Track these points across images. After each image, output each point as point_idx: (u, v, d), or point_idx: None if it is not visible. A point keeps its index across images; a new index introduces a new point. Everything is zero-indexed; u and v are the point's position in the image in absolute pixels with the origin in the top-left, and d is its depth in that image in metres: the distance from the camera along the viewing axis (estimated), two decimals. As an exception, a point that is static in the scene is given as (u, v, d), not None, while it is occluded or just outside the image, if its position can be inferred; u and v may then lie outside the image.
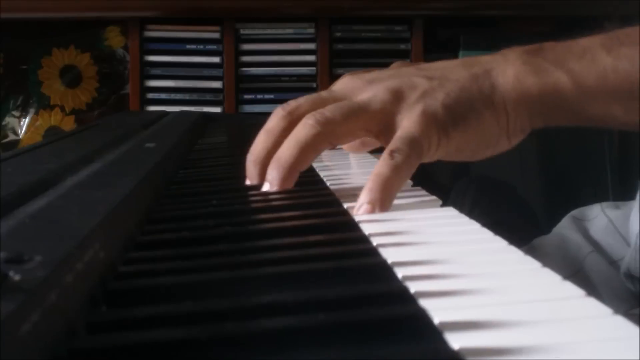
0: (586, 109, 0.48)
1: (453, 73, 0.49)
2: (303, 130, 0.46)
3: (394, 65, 0.55)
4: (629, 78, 0.47)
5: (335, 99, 0.49)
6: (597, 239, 0.73)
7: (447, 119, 0.46)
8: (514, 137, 0.50)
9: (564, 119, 0.50)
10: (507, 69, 0.48)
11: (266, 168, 0.47)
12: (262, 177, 0.47)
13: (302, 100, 0.49)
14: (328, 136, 0.46)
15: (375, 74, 0.51)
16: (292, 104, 0.49)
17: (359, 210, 0.41)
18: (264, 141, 0.48)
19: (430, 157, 0.46)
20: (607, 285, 0.69)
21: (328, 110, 0.46)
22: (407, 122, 0.46)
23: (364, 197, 0.42)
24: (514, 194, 1.20)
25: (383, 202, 0.42)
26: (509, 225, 0.96)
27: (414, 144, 0.44)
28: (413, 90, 0.47)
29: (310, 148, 0.46)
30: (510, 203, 1.11)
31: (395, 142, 0.44)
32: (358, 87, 0.49)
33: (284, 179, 0.45)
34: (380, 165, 0.43)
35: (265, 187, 0.46)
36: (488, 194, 1.09)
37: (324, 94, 0.51)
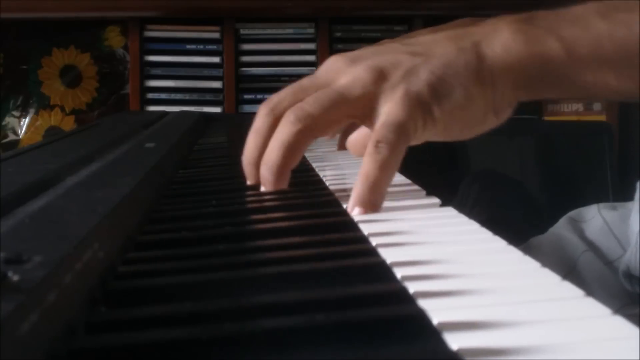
0: (578, 77, 0.46)
1: (439, 47, 0.47)
2: (285, 129, 0.45)
3: (382, 41, 0.53)
4: (625, 44, 0.45)
5: (317, 86, 0.48)
6: (592, 240, 0.74)
7: (431, 99, 0.44)
8: (502, 112, 0.47)
9: (554, 89, 0.48)
10: (495, 39, 0.46)
11: (260, 168, 0.47)
12: (259, 177, 0.47)
13: (284, 93, 0.48)
14: (311, 131, 0.45)
15: (359, 51, 0.49)
16: (274, 98, 0.48)
17: (352, 212, 0.41)
18: (253, 141, 0.48)
19: (417, 139, 0.45)
20: (600, 283, 0.70)
21: (307, 104, 0.45)
22: (391, 105, 0.44)
23: (354, 200, 0.42)
24: (519, 191, 1.20)
25: (374, 203, 0.41)
26: (511, 222, 0.96)
27: (399, 129, 0.43)
28: (396, 68, 0.46)
29: (295, 146, 0.45)
30: (514, 200, 1.11)
31: (380, 131, 0.43)
32: (340, 69, 0.48)
33: (276, 180, 0.46)
34: (366, 164, 0.42)
35: (263, 188, 0.47)
36: (492, 189, 1.09)
37: (305, 81, 0.49)
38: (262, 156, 0.46)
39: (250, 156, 0.48)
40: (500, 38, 0.46)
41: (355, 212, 0.41)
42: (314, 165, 0.62)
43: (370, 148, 0.43)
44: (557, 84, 0.47)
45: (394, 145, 0.42)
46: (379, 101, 0.45)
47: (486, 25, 0.48)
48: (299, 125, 0.45)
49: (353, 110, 0.46)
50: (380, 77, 0.46)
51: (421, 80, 0.45)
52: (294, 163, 0.46)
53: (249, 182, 0.49)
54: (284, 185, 0.46)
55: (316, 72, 0.51)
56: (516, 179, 1.32)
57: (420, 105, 0.44)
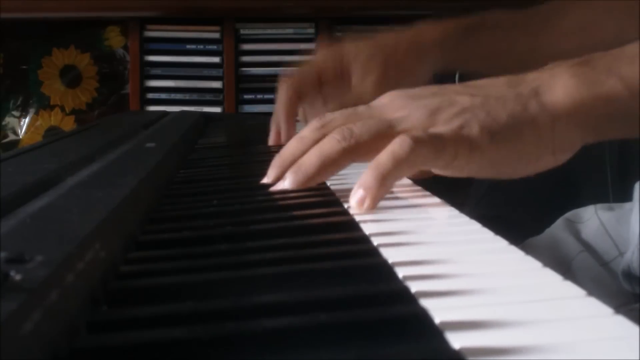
0: None
1: (497, 91, 0.47)
2: (328, 143, 0.46)
3: (444, 86, 0.53)
4: None
5: (370, 115, 0.48)
6: (588, 241, 0.74)
7: (483, 136, 0.44)
8: (561, 153, 0.47)
9: (620, 128, 0.49)
10: (555, 85, 0.46)
11: (286, 171, 0.47)
12: (279, 179, 0.47)
13: (338, 114, 0.49)
14: (352, 153, 0.46)
15: (419, 90, 0.50)
16: (328, 116, 0.49)
17: (353, 197, 0.42)
18: (294, 147, 0.49)
19: (460, 168, 0.45)
20: (596, 284, 0.70)
21: (357, 127, 0.46)
22: (439, 128, 0.45)
23: (358, 184, 0.42)
24: (530, 190, 1.20)
25: (376, 191, 0.42)
26: (514, 220, 0.96)
27: (437, 138, 0.43)
28: (452, 106, 0.46)
29: (332, 162, 0.46)
30: (522, 198, 1.11)
31: (414, 131, 0.43)
32: (397, 104, 0.48)
33: (301, 184, 0.46)
34: (382, 154, 0.42)
35: (278, 185, 0.47)
36: (503, 186, 1.09)
37: (361, 109, 0.50)
38: (294, 161, 0.47)
39: (284, 158, 0.49)
40: (560, 83, 0.46)
41: (356, 197, 0.41)
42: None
43: (400, 136, 0.43)
44: (622, 123, 0.48)
45: (418, 146, 0.42)
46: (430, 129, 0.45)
47: (544, 72, 0.48)
48: (343, 144, 0.45)
49: None
50: (435, 114, 0.46)
51: (477, 118, 0.45)
52: (325, 178, 0.47)
53: (266, 180, 0.49)
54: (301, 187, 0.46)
55: (374, 102, 0.51)
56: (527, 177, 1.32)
57: (469, 137, 0.44)
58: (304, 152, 0.48)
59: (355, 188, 0.42)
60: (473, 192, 1.04)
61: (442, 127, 0.45)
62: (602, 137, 0.49)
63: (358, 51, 0.76)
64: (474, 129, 0.44)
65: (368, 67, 0.76)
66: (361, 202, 0.42)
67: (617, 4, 0.74)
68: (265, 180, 0.50)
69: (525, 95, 0.46)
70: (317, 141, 0.47)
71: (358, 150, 0.46)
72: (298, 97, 0.75)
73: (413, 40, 0.78)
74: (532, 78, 0.48)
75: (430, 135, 0.43)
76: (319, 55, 0.77)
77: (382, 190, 0.42)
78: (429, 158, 0.43)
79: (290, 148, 0.49)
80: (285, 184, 0.47)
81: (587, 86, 0.46)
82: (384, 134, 0.46)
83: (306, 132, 0.49)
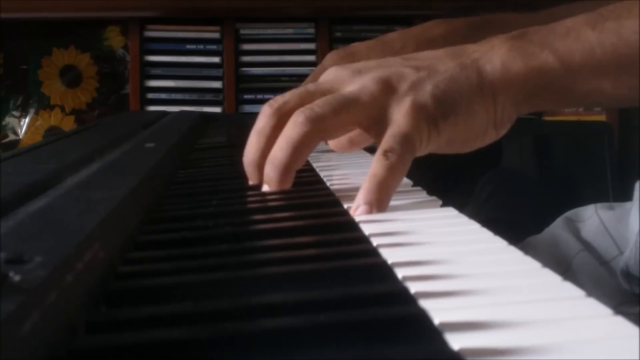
0: (575, 87, 0.48)
1: (440, 63, 0.48)
2: (294, 128, 0.45)
3: (383, 58, 0.54)
4: (616, 51, 0.47)
5: (322, 92, 0.48)
6: (588, 240, 0.74)
7: (436, 112, 0.46)
8: (501, 126, 0.49)
9: (552, 101, 0.50)
10: (494, 57, 0.48)
11: (262, 169, 0.47)
12: (261, 177, 0.47)
13: (289, 95, 0.49)
14: (319, 132, 0.46)
15: (362, 64, 0.50)
16: (279, 99, 0.48)
17: (357, 211, 0.41)
18: (256, 142, 0.48)
19: (421, 151, 0.46)
20: (595, 283, 0.70)
21: (317, 106, 0.46)
22: (398, 117, 0.45)
23: (361, 198, 0.42)
24: (535, 190, 1.20)
25: (380, 202, 0.42)
26: (518, 221, 0.96)
27: (406, 141, 0.44)
28: (402, 80, 0.47)
29: (303, 146, 0.45)
30: (528, 199, 1.11)
31: (387, 141, 0.44)
32: (346, 78, 0.49)
33: (281, 180, 0.46)
34: (375, 166, 0.43)
35: (265, 188, 0.47)
36: (508, 187, 1.09)
37: (310, 86, 0.50)
38: (264, 156, 0.47)
39: (252, 157, 0.48)
40: (498, 55, 0.48)
41: (359, 211, 0.41)
42: (314, 165, 0.62)
43: (378, 156, 0.44)
44: (555, 96, 0.49)
45: (401, 155, 0.43)
46: (387, 111, 0.46)
47: (483, 44, 0.49)
48: (309, 126, 0.45)
49: (361, 117, 0.47)
50: (387, 88, 0.47)
51: (427, 93, 0.46)
52: (300, 164, 0.46)
53: (251, 182, 0.49)
54: (288, 185, 0.46)
55: (319, 78, 0.52)
56: (531, 178, 1.32)
57: (426, 118, 0.45)
58: (268, 143, 0.47)
59: (356, 202, 0.42)
60: (476, 196, 1.04)
61: (398, 111, 0.45)
62: (536, 108, 0.50)
63: (369, 52, 0.76)
64: (428, 106, 0.46)
65: None
66: (368, 211, 0.42)
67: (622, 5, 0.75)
68: (250, 182, 0.49)
69: (467, 65, 0.48)
70: (276, 128, 0.47)
71: (325, 128, 0.46)
72: None
73: (422, 37, 0.79)
74: (472, 49, 0.49)
75: (401, 143, 0.44)
76: (329, 61, 0.77)
77: (385, 199, 0.43)
78: (409, 160, 0.44)
79: (252, 144, 0.48)
80: (268, 186, 0.46)
81: (522, 59, 0.47)
82: (347, 109, 0.46)
83: (262, 123, 0.48)
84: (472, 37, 0.79)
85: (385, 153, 0.43)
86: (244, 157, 0.49)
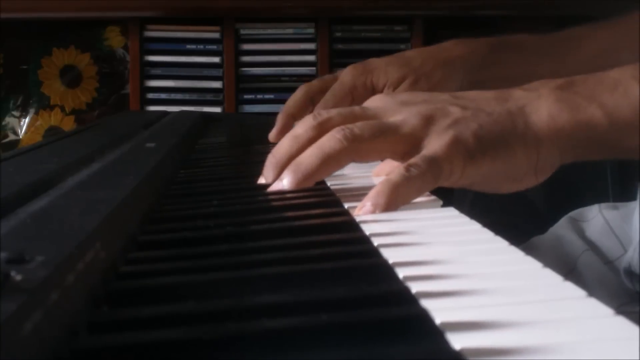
0: (621, 142, 0.48)
1: (487, 106, 0.48)
2: (330, 142, 0.46)
3: (432, 93, 0.54)
4: None
5: (366, 117, 0.49)
6: (592, 239, 0.74)
7: (475, 148, 0.46)
8: (542, 173, 0.49)
9: (597, 153, 0.50)
10: (541, 107, 0.48)
11: (282, 171, 0.47)
12: (276, 178, 0.47)
13: (334, 113, 0.49)
14: (353, 152, 0.46)
15: (409, 95, 0.51)
16: (323, 114, 0.49)
17: (361, 210, 0.41)
18: (289, 146, 0.48)
19: (453, 182, 0.46)
20: (600, 282, 0.70)
21: (357, 127, 0.46)
22: (434, 144, 0.45)
23: (369, 198, 0.42)
24: (517, 193, 1.20)
25: (387, 206, 0.42)
26: (508, 224, 0.96)
27: (433, 164, 0.44)
28: (445, 117, 0.47)
29: (333, 161, 0.46)
30: (511, 202, 1.11)
31: (415, 158, 0.44)
32: (390, 108, 0.49)
33: (298, 184, 0.46)
34: (394, 173, 0.43)
35: (276, 186, 0.47)
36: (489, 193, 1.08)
37: (357, 109, 0.50)
38: (290, 162, 0.47)
39: (279, 157, 0.48)
40: (545, 106, 0.48)
41: (363, 210, 0.41)
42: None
43: (400, 167, 0.44)
44: (601, 149, 0.49)
45: (423, 173, 0.43)
46: (424, 142, 0.46)
47: (530, 91, 0.49)
48: (345, 143, 0.45)
49: (397, 146, 0.47)
50: (429, 123, 0.47)
51: (469, 130, 0.46)
52: (324, 176, 0.47)
53: (262, 181, 0.49)
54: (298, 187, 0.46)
55: (365, 104, 0.52)
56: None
57: (463, 152, 0.45)
58: (299, 151, 0.47)
59: (365, 200, 0.42)
60: (470, 198, 1.04)
61: (436, 141, 0.45)
62: (581, 159, 0.50)
63: (388, 70, 0.76)
64: (468, 142, 0.45)
65: (398, 85, 0.76)
66: (371, 210, 0.42)
67: (634, 27, 0.75)
68: (262, 180, 0.49)
69: (514, 112, 0.48)
70: (312, 140, 0.47)
71: (359, 150, 0.46)
72: None
73: (441, 56, 0.79)
74: (519, 96, 0.49)
75: (428, 163, 0.44)
76: (347, 75, 0.76)
77: (392, 205, 0.43)
78: (429, 182, 0.44)
79: (284, 147, 0.49)
80: (284, 183, 0.46)
81: (569, 112, 0.47)
82: (385, 136, 0.46)
83: (300, 130, 0.48)
84: (490, 58, 0.80)
85: (409, 166, 0.43)
86: (271, 155, 0.49)
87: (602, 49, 0.77)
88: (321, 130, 0.48)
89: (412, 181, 0.43)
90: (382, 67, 0.76)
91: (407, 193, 0.43)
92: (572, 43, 0.78)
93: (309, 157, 0.46)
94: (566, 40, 0.79)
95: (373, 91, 0.76)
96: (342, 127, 0.46)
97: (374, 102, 0.52)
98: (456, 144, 0.45)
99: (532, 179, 0.49)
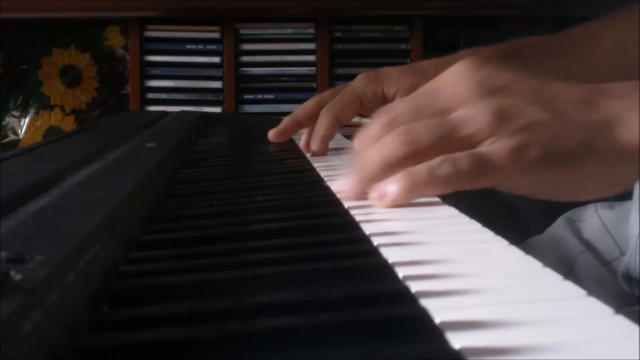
0: None
1: (571, 110, 0.44)
2: (390, 147, 0.44)
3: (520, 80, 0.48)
4: None
5: (435, 110, 0.46)
6: (589, 240, 0.74)
7: (540, 161, 0.42)
8: (617, 187, 0.45)
9: None
10: (631, 122, 0.43)
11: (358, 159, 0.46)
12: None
13: (405, 108, 0.47)
14: (412, 156, 0.44)
15: (493, 81, 0.46)
16: (391, 113, 0.47)
17: (374, 192, 0.42)
18: (367, 140, 0.47)
19: (504, 188, 0.43)
20: (598, 284, 0.70)
21: (419, 130, 0.44)
22: (495, 145, 0.42)
23: (384, 185, 0.42)
24: (498, 197, 1.19)
25: (399, 199, 0.41)
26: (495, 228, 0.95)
27: (482, 166, 0.41)
28: (520, 117, 0.43)
29: (393, 166, 0.44)
30: (494, 207, 1.11)
31: (460, 153, 0.42)
32: (466, 99, 0.45)
33: (361, 191, 0.45)
34: (420, 165, 0.42)
35: (339, 186, 0.47)
36: (469, 198, 1.08)
37: (425, 100, 0.47)
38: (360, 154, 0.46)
39: (360, 145, 0.47)
40: (636, 122, 0.43)
41: (376, 193, 0.42)
42: (314, 165, 0.62)
43: (436, 159, 0.42)
44: None
45: (459, 171, 0.41)
46: (486, 141, 0.43)
47: (625, 101, 0.44)
48: (405, 149, 0.44)
49: (456, 147, 0.44)
50: (500, 122, 0.43)
51: (540, 139, 0.42)
52: (382, 180, 0.45)
53: (346, 189, 0.47)
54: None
55: (444, 83, 0.48)
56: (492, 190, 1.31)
57: (524, 161, 0.42)
58: (371, 143, 0.46)
59: (383, 185, 0.42)
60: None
61: (499, 143, 0.43)
62: None
63: (399, 78, 0.75)
64: (533, 153, 0.42)
65: (409, 94, 0.75)
66: (380, 197, 0.42)
67: None
68: (346, 188, 0.47)
69: (599, 125, 0.43)
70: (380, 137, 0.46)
71: (418, 154, 0.44)
72: (339, 124, 0.74)
73: None
74: (611, 106, 0.44)
75: (473, 162, 0.41)
76: (358, 82, 0.76)
77: (404, 200, 0.42)
78: (463, 186, 0.42)
79: (364, 139, 0.47)
80: (349, 194, 0.46)
81: None
82: (446, 140, 0.44)
83: (374, 130, 0.47)
84: (503, 65, 0.78)
85: (447, 158, 0.41)
86: (360, 167, 0.47)
87: (615, 45, 0.76)
88: (390, 129, 0.46)
89: (439, 176, 0.41)
90: (394, 76, 0.76)
91: (432, 187, 0.42)
92: (585, 41, 0.77)
93: (372, 163, 0.45)
94: (577, 38, 0.78)
95: (383, 99, 0.75)
96: (405, 128, 0.45)
97: (453, 87, 0.47)
98: (518, 153, 0.42)
99: (604, 191, 0.45)
